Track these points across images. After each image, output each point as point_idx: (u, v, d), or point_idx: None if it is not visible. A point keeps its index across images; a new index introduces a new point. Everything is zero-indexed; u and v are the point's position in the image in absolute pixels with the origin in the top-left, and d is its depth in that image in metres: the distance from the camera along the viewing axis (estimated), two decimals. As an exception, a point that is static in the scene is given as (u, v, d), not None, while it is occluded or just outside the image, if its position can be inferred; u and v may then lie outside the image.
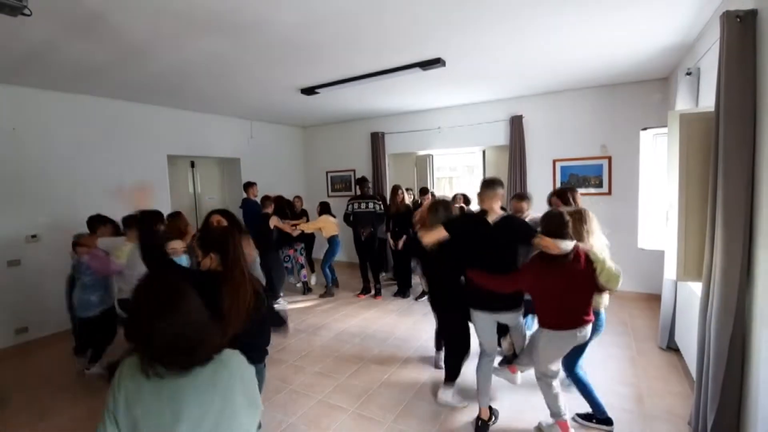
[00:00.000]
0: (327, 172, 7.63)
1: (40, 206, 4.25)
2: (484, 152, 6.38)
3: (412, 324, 4.42)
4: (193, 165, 6.19)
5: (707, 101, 2.72)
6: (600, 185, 5.10)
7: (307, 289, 5.65)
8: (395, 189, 5.25)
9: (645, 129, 3.81)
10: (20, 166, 4.10)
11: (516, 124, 5.54)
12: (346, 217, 5.36)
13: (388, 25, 2.92)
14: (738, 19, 2.07)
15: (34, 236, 4.21)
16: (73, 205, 4.46)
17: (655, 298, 4.72)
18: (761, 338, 1.96)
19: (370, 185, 5.76)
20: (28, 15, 2.00)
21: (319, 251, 6.07)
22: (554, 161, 5.42)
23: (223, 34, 2.94)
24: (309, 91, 4.60)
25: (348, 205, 5.39)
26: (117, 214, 4.60)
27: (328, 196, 7.48)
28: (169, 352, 1.02)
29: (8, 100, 3.99)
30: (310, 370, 3.46)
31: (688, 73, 3.32)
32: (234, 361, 1.15)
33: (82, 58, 3.32)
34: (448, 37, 3.18)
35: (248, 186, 5.48)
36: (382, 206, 5.32)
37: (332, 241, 5.37)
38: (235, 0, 2.42)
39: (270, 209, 4.89)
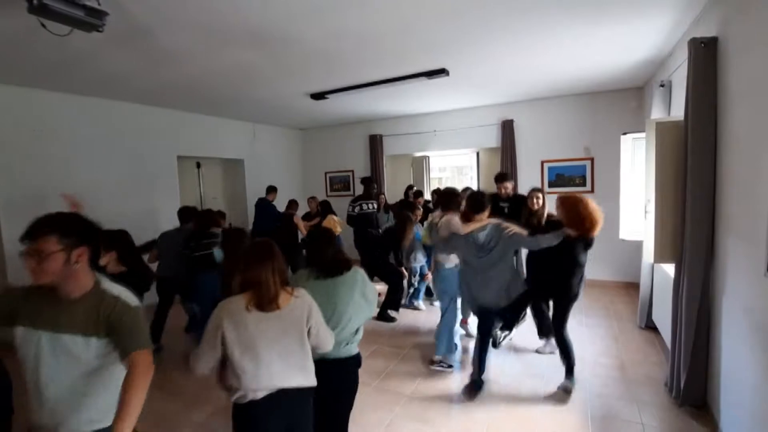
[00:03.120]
0: (326, 173, 7.92)
1: (59, 204, 4.39)
2: (478, 154, 6.81)
3: (416, 314, 4.78)
4: (198, 166, 6.38)
5: (678, 110, 3.17)
6: (584, 184, 5.59)
7: None
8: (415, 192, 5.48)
9: (625, 134, 4.28)
10: (41, 165, 4.26)
11: (507, 127, 5.98)
12: (351, 219, 5.30)
13: (401, 40, 3.26)
14: (702, 45, 2.51)
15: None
16: (89, 203, 4.61)
17: (633, 286, 5.21)
18: (722, 308, 2.40)
19: (376, 186, 5.74)
20: (101, 32, 2.26)
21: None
22: (542, 162, 5.88)
23: (254, 47, 3.23)
24: (318, 96, 4.91)
25: (353, 206, 5.32)
26: (127, 212, 4.85)
27: (327, 195, 7.76)
28: (330, 266, 1.93)
29: (33, 103, 4.16)
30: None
31: (662, 85, 3.79)
32: (359, 273, 2.01)
33: (115, 67, 3.55)
34: (453, 50, 3.55)
35: (271, 190, 5.76)
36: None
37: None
38: (271, 17, 2.71)
39: (294, 210, 5.21)
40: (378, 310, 4.61)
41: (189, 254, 3.60)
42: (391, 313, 4.64)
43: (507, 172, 4.19)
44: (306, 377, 1.64)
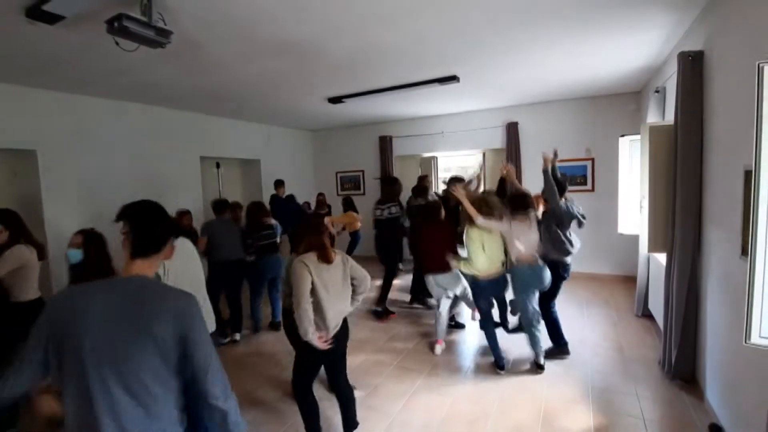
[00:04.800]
0: (336, 173, 8.25)
1: (94, 200, 4.73)
2: (484, 154, 7.13)
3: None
4: (218, 166, 6.71)
5: (672, 115, 3.48)
6: (585, 183, 5.91)
7: None
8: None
9: (623, 136, 4.60)
10: (79, 165, 4.59)
11: (512, 129, 6.31)
12: (379, 223, 4.80)
13: (418, 51, 3.58)
14: (690, 58, 2.83)
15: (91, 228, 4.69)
16: (120, 199, 4.93)
17: (631, 279, 5.53)
18: (707, 290, 2.72)
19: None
20: (164, 48, 2.58)
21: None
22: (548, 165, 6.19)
23: (284, 58, 3.55)
24: (336, 100, 5.23)
25: (381, 210, 4.78)
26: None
27: (338, 194, 8.09)
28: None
29: (75, 108, 4.49)
30: (351, 337, 4.08)
31: (657, 91, 4.11)
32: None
33: (157, 75, 3.87)
34: (465, 59, 3.87)
35: (279, 184, 6.04)
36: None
37: (355, 235, 6.02)
38: (306, 32, 3.03)
39: (324, 210, 5.57)
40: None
41: (252, 243, 4.23)
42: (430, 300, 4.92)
43: (461, 177, 4.48)
44: (348, 303, 2.42)
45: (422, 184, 5.13)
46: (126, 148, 5.03)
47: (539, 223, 3.41)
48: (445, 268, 3.57)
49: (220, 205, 4.32)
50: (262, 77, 4.13)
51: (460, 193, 3.34)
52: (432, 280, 3.72)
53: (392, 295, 5.00)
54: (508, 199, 3.44)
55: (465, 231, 3.41)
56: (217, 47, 3.24)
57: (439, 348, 3.73)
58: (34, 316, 2.67)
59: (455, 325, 4.26)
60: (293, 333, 2.39)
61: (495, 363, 3.36)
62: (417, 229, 4.12)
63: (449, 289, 3.73)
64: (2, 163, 4.26)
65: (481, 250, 3.28)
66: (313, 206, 6.77)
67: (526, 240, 3.25)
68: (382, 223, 4.77)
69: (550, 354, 3.46)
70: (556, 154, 3.60)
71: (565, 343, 3.52)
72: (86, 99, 4.59)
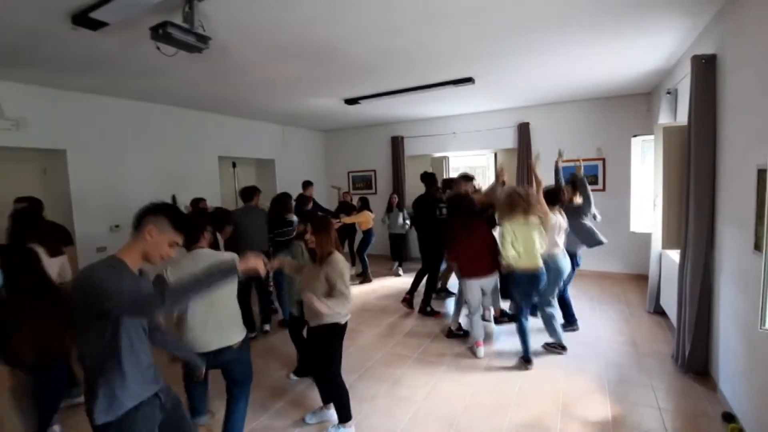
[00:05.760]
0: (348, 172, 8.38)
1: (119, 199, 4.89)
2: (495, 154, 7.24)
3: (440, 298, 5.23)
4: (234, 165, 6.86)
5: (683, 116, 3.57)
6: (596, 183, 6.00)
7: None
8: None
9: (635, 136, 4.70)
10: (103, 164, 4.75)
11: (523, 130, 6.41)
12: (440, 222, 4.55)
13: (437, 55, 3.70)
14: (703, 61, 2.93)
15: (117, 226, 4.86)
16: (144, 198, 5.09)
17: (642, 278, 5.61)
18: (720, 284, 2.81)
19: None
20: (201, 53, 2.72)
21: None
22: (556, 162, 6.28)
23: (308, 60, 3.69)
24: (352, 101, 5.36)
25: (441, 209, 4.62)
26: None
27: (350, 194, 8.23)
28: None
29: (98, 108, 4.65)
30: (369, 333, 4.22)
31: (669, 93, 4.20)
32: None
33: (183, 78, 4.02)
34: (481, 62, 3.99)
35: (307, 185, 5.91)
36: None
37: (368, 233, 6.15)
38: (333, 37, 3.17)
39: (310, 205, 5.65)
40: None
41: (272, 238, 4.30)
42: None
43: (471, 175, 4.32)
44: None
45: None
46: (148, 148, 5.19)
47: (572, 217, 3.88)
48: (489, 271, 3.54)
49: (249, 191, 4.32)
50: (285, 79, 4.27)
51: (535, 195, 3.38)
52: (473, 286, 3.56)
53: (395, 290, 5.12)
54: (544, 194, 3.56)
55: (500, 228, 3.41)
56: (246, 52, 3.38)
57: (481, 350, 3.59)
58: None
59: (464, 334, 3.97)
60: (329, 329, 2.51)
61: (523, 356, 3.37)
62: (455, 229, 3.73)
63: (487, 291, 3.72)
64: (33, 162, 4.43)
65: (511, 245, 3.30)
66: (349, 199, 6.85)
67: (560, 230, 3.62)
68: (439, 222, 4.56)
69: (563, 328, 3.90)
70: (561, 154, 4.15)
71: (575, 320, 4.08)
72: (112, 100, 4.75)
